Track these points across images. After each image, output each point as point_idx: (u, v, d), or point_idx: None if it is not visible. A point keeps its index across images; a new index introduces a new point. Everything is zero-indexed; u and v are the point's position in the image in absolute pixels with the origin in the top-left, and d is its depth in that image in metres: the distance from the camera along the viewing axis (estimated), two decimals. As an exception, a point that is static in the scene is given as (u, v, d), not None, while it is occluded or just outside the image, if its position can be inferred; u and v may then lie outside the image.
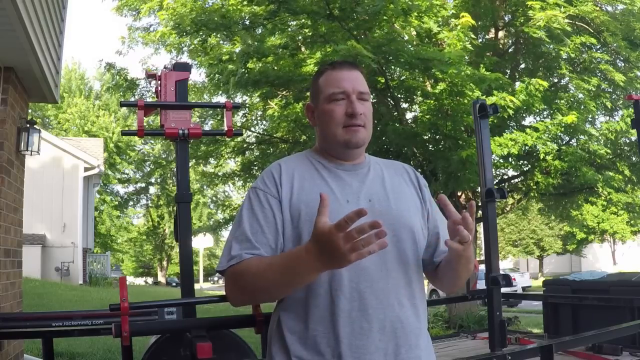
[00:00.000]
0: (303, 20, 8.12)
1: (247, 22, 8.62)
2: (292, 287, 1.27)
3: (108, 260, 22.24)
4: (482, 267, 3.16)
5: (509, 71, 9.55)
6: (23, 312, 4.31)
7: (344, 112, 1.40)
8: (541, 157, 8.45)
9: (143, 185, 38.13)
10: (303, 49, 8.77)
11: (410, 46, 7.23)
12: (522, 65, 10.20)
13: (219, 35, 9.02)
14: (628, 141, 9.27)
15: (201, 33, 8.56)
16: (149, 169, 35.95)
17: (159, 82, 3.02)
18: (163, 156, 29.77)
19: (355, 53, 6.63)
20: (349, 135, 1.41)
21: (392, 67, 8.16)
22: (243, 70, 8.02)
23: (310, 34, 8.47)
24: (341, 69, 1.46)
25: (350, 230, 1.09)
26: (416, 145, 8.71)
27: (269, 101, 9.95)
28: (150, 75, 3.23)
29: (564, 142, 9.37)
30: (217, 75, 8.98)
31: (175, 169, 3.06)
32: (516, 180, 10.38)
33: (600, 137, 8.78)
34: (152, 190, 38.78)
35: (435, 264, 1.47)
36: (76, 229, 17.00)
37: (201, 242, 23.43)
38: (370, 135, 1.48)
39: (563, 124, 7.99)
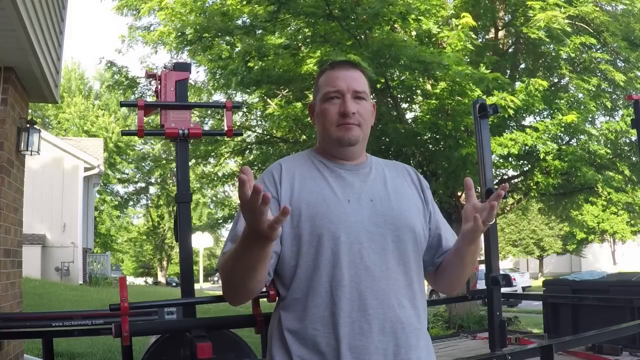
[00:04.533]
0: (302, 20, 8.11)
1: (247, 23, 8.61)
2: (253, 266, 1.23)
3: (108, 260, 22.22)
4: (482, 267, 3.16)
5: (509, 71, 9.55)
6: (23, 312, 4.31)
7: (337, 112, 1.41)
8: (541, 157, 8.45)
9: (143, 185, 38.16)
10: (303, 48, 8.77)
11: (409, 49, 7.20)
12: (522, 65, 10.21)
13: (219, 38, 9.01)
14: (628, 141, 9.27)
15: (202, 40, 8.56)
16: (148, 169, 35.96)
17: (159, 82, 3.02)
18: (163, 156, 29.78)
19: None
20: (341, 133, 1.41)
21: (392, 69, 8.15)
22: (244, 69, 8.00)
23: (310, 33, 8.47)
24: (339, 68, 1.46)
25: (241, 193, 1.10)
26: (416, 145, 8.71)
27: (268, 100, 9.94)
28: (150, 75, 3.23)
29: (564, 142, 9.37)
30: (218, 71, 8.96)
31: (175, 169, 3.06)
32: (516, 180, 10.38)
33: (600, 137, 8.78)
34: (152, 190, 38.81)
35: (436, 265, 1.48)
36: (76, 229, 16.99)
37: (201, 242, 23.41)
38: (368, 135, 1.47)
39: (563, 124, 7.99)
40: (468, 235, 1.34)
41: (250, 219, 1.12)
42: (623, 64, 8.99)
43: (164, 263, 41.05)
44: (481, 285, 3.86)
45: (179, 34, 8.53)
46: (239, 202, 1.12)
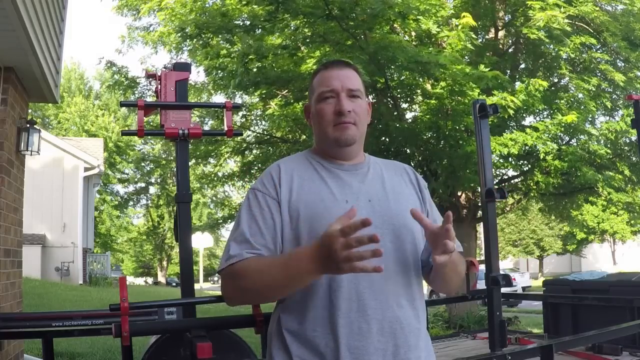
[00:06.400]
0: (301, 20, 8.11)
1: (247, 23, 8.62)
2: (289, 288, 1.27)
3: (108, 260, 22.22)
4: (482, 267, 3.16)
5: (509, 71, 9.54)
6: (23, 312, 4.31)
7: (332, 111, 1.41)
8: (541, 157, 8.45)
9: (143, 185, 38.16)
10: (302, 48, 8.77)
11: (407, 48, 7.19)
12: (522, 65, 10.21)
13: (219, 36, 9.02)
14: (628, 141, 9.27)
15: (203, 36, 8.57)
16: (148, 169, 35.97)
17: (159, 82, 3.01)
18: (163, 156, 29.77)
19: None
20: (338, 133, 1.41)
21: (391, 67, 8.15)
22: (242, 70, 8.01)
23: (309, 33, 8.47)
24: (333, 68, 1.46)
25: (350, 238, 1.10)
26: (416, 145, 8.71)
27: (268, 101, 9.94)
28: (150, 75, 3.23)
29: (564, 142, 9.37)
30: (215, 71, 8.95)
31: (175, 169, 3.06)
32: (516, 180, 10.38)
33: (600, 137, 8.78)
34: (152, 190, 38.82)
35: (431, 266, 1.47)
36: (76, 229, 16.99)
37: (201, 242, 23.37)
38: (364, 133, 1.47)
39: (563, 124, 7.99)
40: (438, 264, 1.30)
41: (348, 267, 1.12)
42: (623, 64, 8.98)
43: (164, 263, 41.05)
44: (481, 285, 3.85)
45: (179, 29, 8.54)
46: (340, 256, 1.11)
